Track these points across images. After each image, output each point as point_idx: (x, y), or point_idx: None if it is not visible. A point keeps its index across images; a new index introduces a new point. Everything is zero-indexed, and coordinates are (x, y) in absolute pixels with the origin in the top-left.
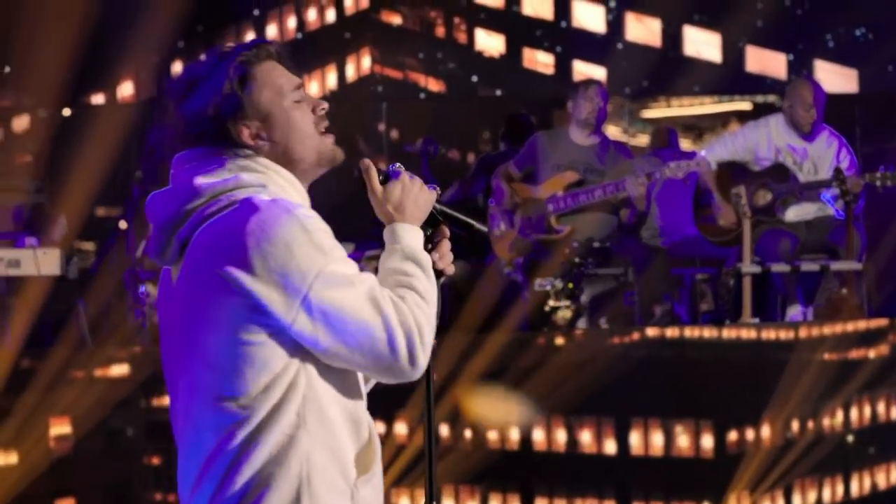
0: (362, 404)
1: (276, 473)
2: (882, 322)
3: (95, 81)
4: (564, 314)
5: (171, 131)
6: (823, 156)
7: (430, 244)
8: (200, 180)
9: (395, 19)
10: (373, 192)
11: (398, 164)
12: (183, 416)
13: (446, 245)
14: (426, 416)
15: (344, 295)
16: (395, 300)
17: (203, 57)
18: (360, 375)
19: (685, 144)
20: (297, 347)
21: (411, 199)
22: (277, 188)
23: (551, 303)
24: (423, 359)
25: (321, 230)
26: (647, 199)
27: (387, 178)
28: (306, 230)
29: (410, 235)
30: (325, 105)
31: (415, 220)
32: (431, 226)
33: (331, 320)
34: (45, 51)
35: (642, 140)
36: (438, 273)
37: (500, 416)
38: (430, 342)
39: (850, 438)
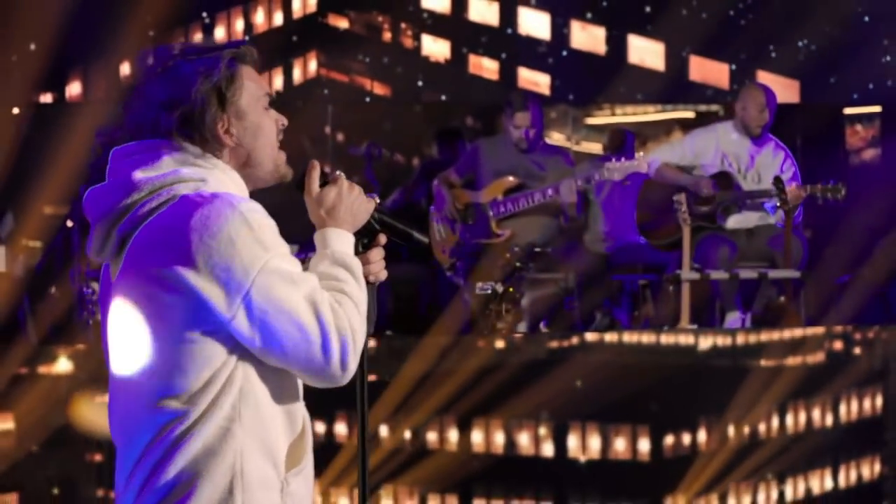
0: (298, 397)
1: (209, 465)
2: (818, 330)
3: (44, 81)
4: (505, 318)
5: (118, 131)
6: (769, 165)
7: (362, 250)
8: (139, 174)
9: (342, 23)
10: (309, 194)
11: (339, 172)
12: (120, 415)
13: (377, 252)
14: (360, 417)
15: (284, 294)
16: (334, 305)
17: (181, 46)
18: None
19: None
20: (236, 343)
21: (345, 204)
22: (217, 183)
23: (492, 307)
24: (354, 364)
25: (265, 225)
26: (580, 205)
27: (326, 181)
28: (249, 225)
29: (340, 240)
30: (286, 121)
31: (347, 225)
32: (369, 235)
33: (269, 319)
34: None
35: (586, 146)
36: (367, 279)
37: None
38: (361, 347)
39: (785, 443)
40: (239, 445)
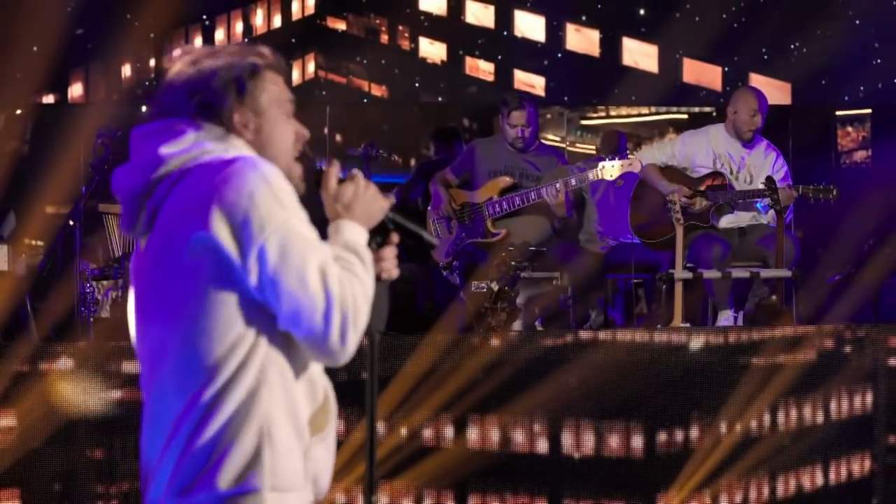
0: (318, 367)
1: (239, 429)
2: (810, 329)
3: (47, 82)
4: (500, 317)
5: (116, 131)
6: (760, 166)
7: (375, 246)
8: (164, 150)
9: (341, 26)
10: (326, 190)
11: (356, 170)
12: (151, 384)
13: (390, 250)
14: (368, 410)
15: (298, 256)
16: (342, 279)
17: (220, 46)
18: None
19: None
20: (258, 308)
21: (362, 201)
22: (238, 152)
23: (487, 305)
24: (353, 342)
25: (285, 188)
26: (569, 206)
27: (341, 179)
28: (269, 184)
29: (353, 231)
30: (307, 135)
31: (362, 221)
32: (383, 233)
33: (280, 276)
34: None
35: (580, 147)
36: (377, 276)
37: None
38: (362, 329)
39: (776, 441)
40: (266, 408)
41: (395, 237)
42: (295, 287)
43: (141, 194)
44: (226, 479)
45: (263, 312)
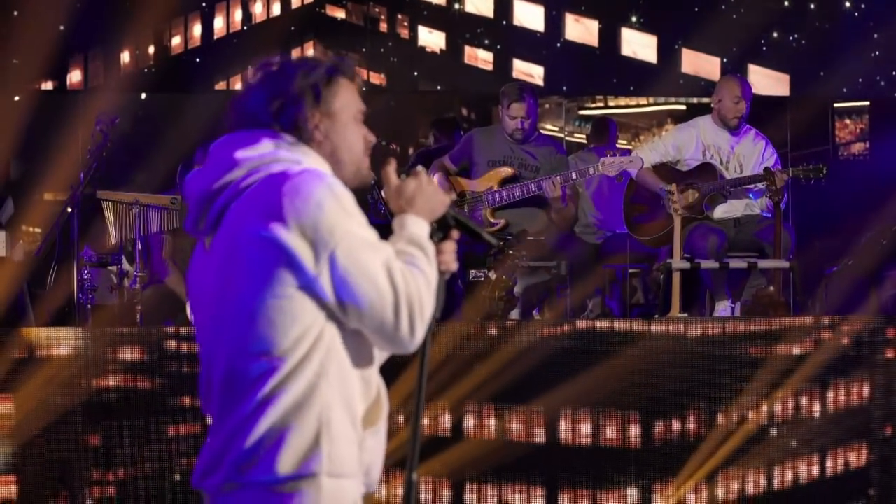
0: (374, 366)
1: (299, 416)
2: (807, 320)
3: (46, 69)
4: (497, 306)
5: (115, 118)
6: (749, 154)
7: (437, 240)
8: (240, 154)
9: (340, 14)
10: (388, 185)
11: (420, 166)
12: (216, 374)
13: (450, 244)
14: (417, 393)
15: (365, 257)
16: (406, 273)
17: (288, 57)
18: None
19: (621, 143)
20: (322, 305)
21: (424, 196)
22: (312, 164)
23: (485, 294)
24: (421, 332)
25: (348, 197)
26: (565, 198)
27: (405, 174)
28: (335, 193)
29: (417, 225)
30: (374, 139)
31: (424, 214)
32: (444, 229)
33: (350, 278)
34: None
35: (579, 137)
36: (438, 269)
37: None
38: (428, 319)
39: (773, 431)
40: (325, 399)
41: (455, 233)
42: (366, 286)
43: (210, 196)
44: (285, 463)
45: (326, 311)
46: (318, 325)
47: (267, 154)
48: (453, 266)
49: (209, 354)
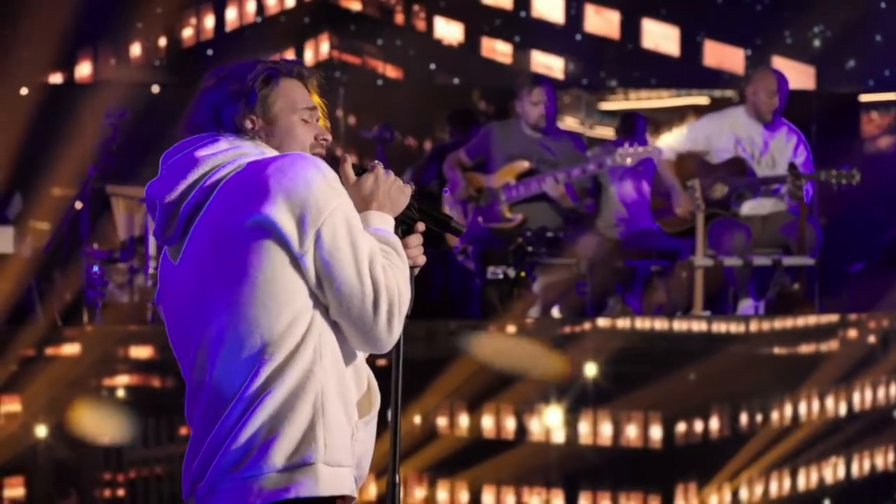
0: (362, 355)
1: (295, 405)
2: (833, 318)
3: (54, 61)
4: (516, 303)
5: (124, 112)
6: (783, 150)
7: (400, 234)
8: (200, 153)
9: (355, 5)
10: (346, 182)
11: (377, 161)
12: (203, 370)
13: (416, 238)
14: (392, 396)
15: (352, 240)
16: (387, 268)
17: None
18: None
19: None
20: (311, 287)
21: (383, 190)
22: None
23: (504, 291)
24: (398, 329)
25: (335, 177)
26: (573, 196)
27: (363, 170)
28: (322, 172)
29: (382, 221)
30: (328, 138)
31: (387, 209)
32: (408, 221)
33: (335, 258)
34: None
35: (599, 132)
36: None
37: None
38: (404, 316)
39: (798, 432)
40: (320, 386)
41: (420, 225)
42: (349, 271)
43: (177, 200)
44: (282, 453)
45: (315, 297)
46: (310, 312)
47: (230, 149)
48: (420, 260)
49: (193, 361)
